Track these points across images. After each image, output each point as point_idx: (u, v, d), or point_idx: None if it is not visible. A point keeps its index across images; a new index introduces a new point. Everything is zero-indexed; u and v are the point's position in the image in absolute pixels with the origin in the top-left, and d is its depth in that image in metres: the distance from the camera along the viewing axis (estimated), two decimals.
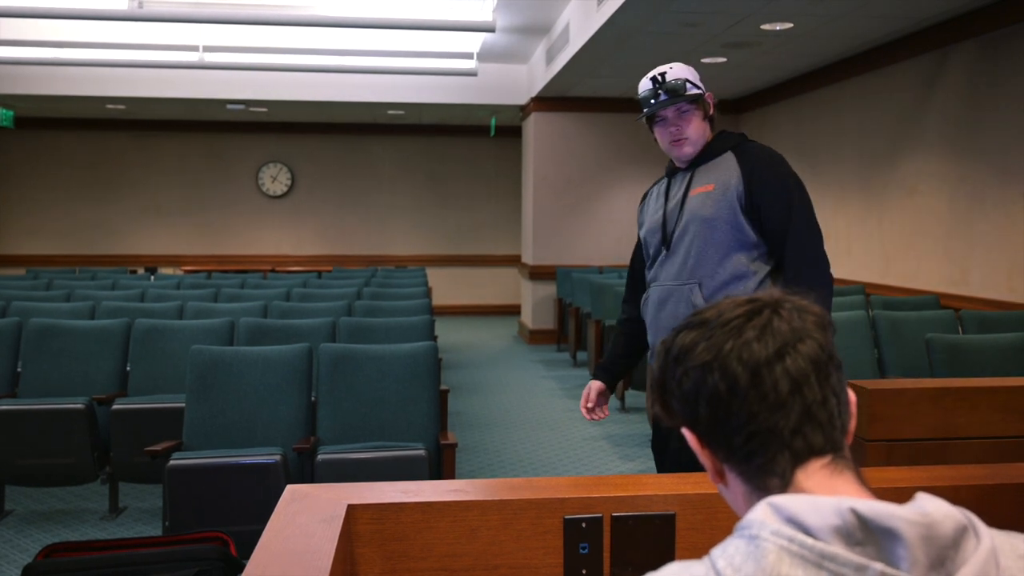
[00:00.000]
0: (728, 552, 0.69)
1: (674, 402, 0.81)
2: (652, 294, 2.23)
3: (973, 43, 5.53)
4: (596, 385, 2.36)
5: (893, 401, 1.83)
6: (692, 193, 2.17)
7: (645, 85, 2.20)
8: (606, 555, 1.29)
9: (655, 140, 2.28)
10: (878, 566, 0.63)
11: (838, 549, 0.64)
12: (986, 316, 4.48)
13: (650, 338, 2.26)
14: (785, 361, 0.75)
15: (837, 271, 7.65)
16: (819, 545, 0.65)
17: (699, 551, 1.32)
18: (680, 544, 1.31)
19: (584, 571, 1.29)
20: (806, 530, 0.66)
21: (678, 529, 1.31)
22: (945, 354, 3.56)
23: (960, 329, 4.44)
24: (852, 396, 0.81)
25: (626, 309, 2.42)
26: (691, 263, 2.12)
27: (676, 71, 2.18)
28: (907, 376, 4.23)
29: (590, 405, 2.35)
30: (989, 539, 0.67)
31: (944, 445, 1.84)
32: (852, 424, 0.80)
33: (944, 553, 0.64)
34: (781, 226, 2.06)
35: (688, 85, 2.16)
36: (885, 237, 6.56)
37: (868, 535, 0.65)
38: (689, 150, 2.18)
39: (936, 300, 5.53)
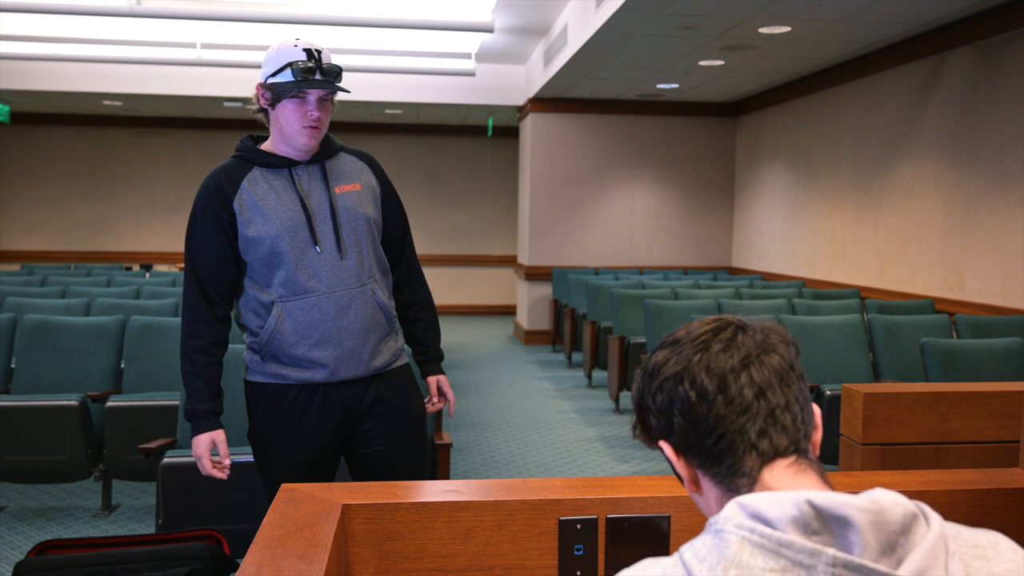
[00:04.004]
0: (695, 546, 0.73)
1: (651, 417, 0.87)
2: (320, 302, 1.97)
3: (970, 49, 5.55)
4: (220, 437, 2.03)
5: (888, 405, 1.83)
6: (339, 191, 2.04)
7: (294, 53, 1.94)
8: (601, 557, 1.29)
9: (261, 108, 2.01)
10: (831, 551, 0.67)
11: (794, 537, 0.68)
12: (981, 321, 4.49)
13: (323, 353, 1.98)
14: (750, 370, 0.82)
15: (833, 274, 7.69)
16: (776, 534, 0.69)
17: None
18: (675, 546, 1.31)
19: (579, 573, 1.29)
20: (767, 522, 0.70)
21: (673, 531, 1.31)
22: (940, 358, 3.57)
23: (955, 334, 4.46)
24: (817, 409, 0.86)
25: (212, 335, 2.03)
26: (368, 263, 2.05)
27: (327, 55, 1.99)
28: (902, 380, 4.24)
29: (227, 462, 2.04)
30: (939, 526, 0.70)
31: (938, 449, 1.84)
32: (817, 435, 0.85)
33: (894, 539, 0.68)
34: (403, 238, 2.18)
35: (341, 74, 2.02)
36: (881, 241, 6.58)
37: (823, 524, 0.69)
38: (315, 143, 2.03)
39: (931, 304, 5.54)
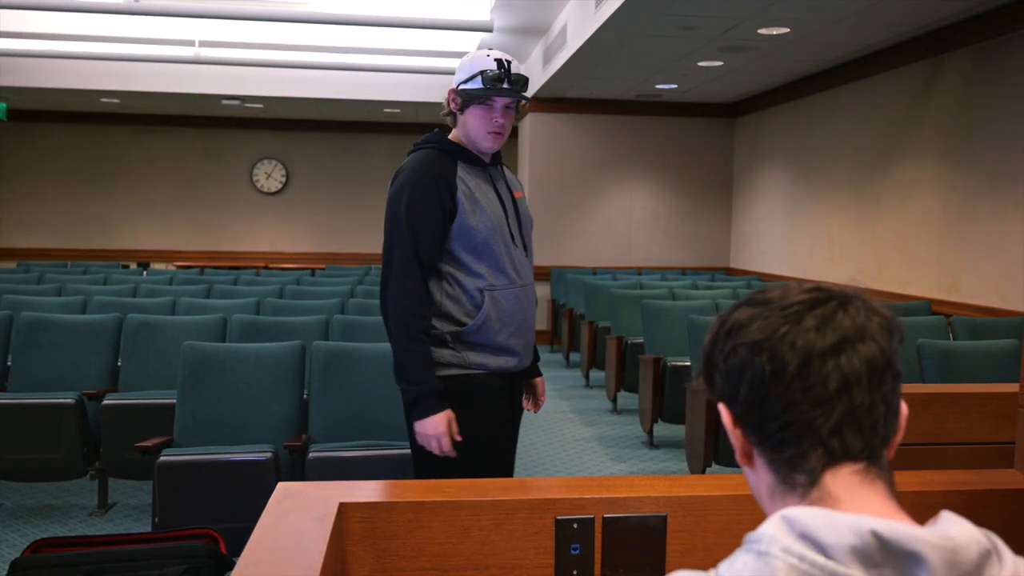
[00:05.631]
0: (736, 567, 0.66)
1: (717, 376, 0.79)
2: (518, 293, 2.14)
3: (968, 51, 5.55)
4: (452, 415, 2.05)
5: None
6: (516, 195, 2.22)
7: (486, 62, 2.06)
8: (597, 556, 1.30)
9: (450, 111, 2.16)
10: None
11: (854, 571, 0.61)
12: (977, 323, 4.50)
13: (517, 341, 2.13)
14: (840, 357, 0.72)
15: (830, 275, 7.71)
16: (831, 565, 0.62)
17: (690, 553, 1.32)
18: (671, 546, 1.31)
19: (575, 572, 1.29)
20: (821, 547, 0.63)
21: (669, 531, 1.31)
22: (936, 360, 3.58)
23: (951, 335, 4.46)
24: (904, 409, 0.76)
25: (428, 314, 2.09)
26: (532, 263, 2.26)
27: (516, 66, 2.11)
28: None
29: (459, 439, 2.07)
30: (1012, 565, 0.65)
31: (934, 450, 1.84)
32: (898, 437, 0.76)
33: None
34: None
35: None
36: (878, 243, 6.59)
37: (887, 557, 0.62)
38: (497, 147, 2.16)
39: (928, 306, 5.55)
